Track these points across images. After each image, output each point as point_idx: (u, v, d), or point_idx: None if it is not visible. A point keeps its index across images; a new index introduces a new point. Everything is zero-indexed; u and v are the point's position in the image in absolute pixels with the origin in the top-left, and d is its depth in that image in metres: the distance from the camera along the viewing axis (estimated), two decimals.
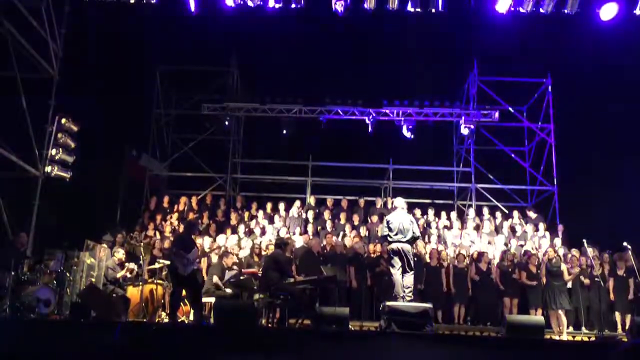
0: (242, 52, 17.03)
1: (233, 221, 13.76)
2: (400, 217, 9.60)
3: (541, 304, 11.54)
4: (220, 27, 14.01)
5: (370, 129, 16.33)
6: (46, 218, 12.60)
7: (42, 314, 9.19)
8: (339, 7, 12.31)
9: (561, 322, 10.92)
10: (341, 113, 16.62)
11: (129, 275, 10.77)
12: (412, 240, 9.60)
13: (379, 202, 15.01)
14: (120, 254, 10.99)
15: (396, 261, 9.42)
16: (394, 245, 9.47)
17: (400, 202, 9.95)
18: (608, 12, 12.56)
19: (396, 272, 9.41)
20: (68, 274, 10.29)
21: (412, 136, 16.28)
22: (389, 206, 14.91)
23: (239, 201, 15.30)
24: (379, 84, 16.97)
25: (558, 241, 13.34)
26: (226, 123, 16.79)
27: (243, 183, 18.34)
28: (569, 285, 11.71)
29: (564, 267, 11.53)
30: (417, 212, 14.52)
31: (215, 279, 10.73)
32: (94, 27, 13.52)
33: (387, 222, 9.64)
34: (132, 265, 10.89)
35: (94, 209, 14.02)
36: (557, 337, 10.55)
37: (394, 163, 17.69)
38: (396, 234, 9.46)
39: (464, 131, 16.54)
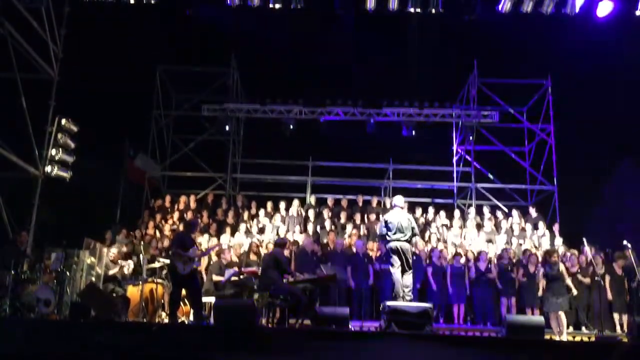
0: (242, 52, 17.02)
1: (230, 220, 13.75)
2: (398, 216, 9.55)
3: (537, 303, 11.45)
4: (220, 27, 14.02)
5: (370, 129, 16.37)
6: (46, 217, 12.61)
7: (42, 313, 9.20)
8: None
9: (561, 323, 10.79)
10: (341, 114, 16.62)
11: (126, 272, 10.76)
12: (412, 238, 9.55)
13: (374, 201, 14.96)
14: (115, 251, 10.99)
15: (395, 260, 9.37)
16: (392, 245, 9.41)
17: (399, 200, 9.89)
18: (604, 9, 12.59)
19: (396, 271, 9.35)
20: (68, 273, 10.27)
21: (414, 132, 16.32)
22: (388, 205, 14.94)
23: (240, 200, 15.30)
24: (379, 85, 16.97)
25: (558, 240, 13.34)
26: (227, 128, 16.80)
27: (243, 183, 18.34)
28: (573, 290, 11.65)
29: (562, 267, 11.40)
30: (418, 211, 14.53)
31: (215, 277, 10.71)
32: (94, 27, 13.51)
33: (386, 222, 9.57)
34: (125, 263, 10.87)
35: (93, 208, 14.03)
36: (557, 338, 10.51)
37: (394, 163, 17.72)
38: (395, 233, 9.41)
39: (471, 138, 16.62)
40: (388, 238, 9.49)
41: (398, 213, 9.64)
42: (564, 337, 10.47)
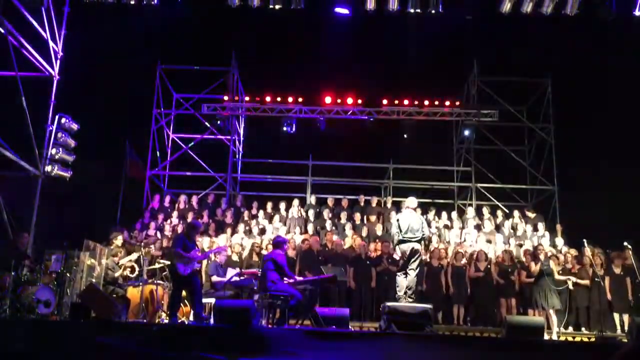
0: (243, 52, 17.01)
1: (230, 220, 13.74)
2: (410, 217, 9.49)
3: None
4: (220, 27, 14.02)
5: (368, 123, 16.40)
6: (46, 218, 12.59)
7: (42, 314, 9.19)
8: None
9: (551, 322, 10.76)
10: (341, 113, 16.61)
11: (130, 275, 10.75)
12: (421, 239, 9.51)
13: (374, 201, 14.92)
14: (118, 253, 10.95)
15: (402, 261, 9.36)
16: (403, 246, 9.36)
17: (412, 202, 9.82)
18: None
19: (400, 272, 9.37)
20: (68, 274, 10.26)
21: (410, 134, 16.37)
22: (389, 205, 14.91)
23: (239, 200, 15.29)
24: (379, 84, 16.95)
25: (560, 241, 13.33)
26: (218, 122, 16.78)
27: (243, 182, 18.35)
28: (570, 286, 11.65)
29: (553, 264, 11.36)
30: (418, 211, 14.46)
31: (214, 278, 10.70)
32: (94, 27, 13.50)
33: (397, 221, 9.53)
34: (130, 263, 10.85)
35: (93, 208, 14.02)
36: (554, 337, 10.48)
37: (394, 162, 17.70)
38: (406, 233, 9.36)
39: (467, 133, 16.64)
40: (398, 237, 9.46)
41: (410, 214, 9.59)
42: (554, 336, 10.41)
